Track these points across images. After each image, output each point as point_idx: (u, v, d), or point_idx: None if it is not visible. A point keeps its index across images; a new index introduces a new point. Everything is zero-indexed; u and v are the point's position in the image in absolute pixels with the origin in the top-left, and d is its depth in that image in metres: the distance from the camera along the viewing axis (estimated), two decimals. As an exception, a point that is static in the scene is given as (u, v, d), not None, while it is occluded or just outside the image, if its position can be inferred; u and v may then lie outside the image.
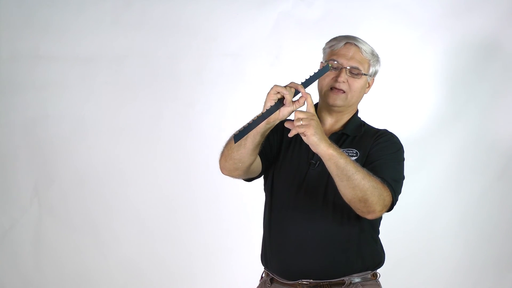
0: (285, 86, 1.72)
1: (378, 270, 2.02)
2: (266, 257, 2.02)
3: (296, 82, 1.73)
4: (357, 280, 1.94)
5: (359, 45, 1.98)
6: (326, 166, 1.74)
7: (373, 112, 2.33)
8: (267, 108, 1.71)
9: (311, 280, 1.92)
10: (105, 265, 3.26)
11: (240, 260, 3.08)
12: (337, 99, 1.97)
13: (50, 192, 3.28)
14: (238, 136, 1.70)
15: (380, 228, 2.04)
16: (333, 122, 2.03)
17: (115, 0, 3.21)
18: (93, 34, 3.21)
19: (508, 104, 2.97)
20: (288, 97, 1.71)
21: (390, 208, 1.86)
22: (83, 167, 3.25)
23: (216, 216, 3.18)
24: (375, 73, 2.04)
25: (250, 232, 2.56)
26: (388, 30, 2.99)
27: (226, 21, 3.14)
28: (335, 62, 1.96)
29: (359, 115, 2.06)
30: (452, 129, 3.00)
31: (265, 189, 2.06)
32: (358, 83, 1.98)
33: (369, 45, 2.00)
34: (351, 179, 1.72)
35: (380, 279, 2.02)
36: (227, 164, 1.86)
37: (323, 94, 1.99)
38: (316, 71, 1.80)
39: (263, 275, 2.08)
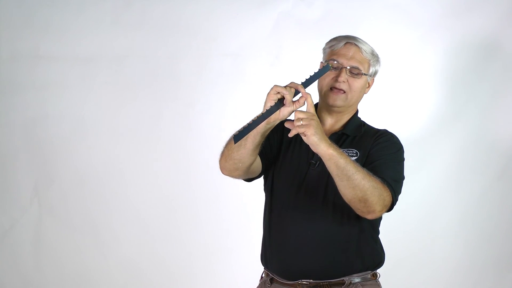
0: (285, 86, 1.72)
1: (378, 270, 2.02)
2: (266, 257, 2.02)
3: (296, 82, 1.73)
4: (357, 280, 1.94)
5: (359, 45, 1.98)
6: (326, 166, 1.74)
7: (373, 112, 2.33)
8: (267, 108, 1.71)
9: (311, 280, 1.92)
10: (105, 265, 3.26)
11: (240, 260, 3.08)
12: (337, 100, 1.97)
13: (50, 192, 3.28)
14: (238, 136, 1.70)
15: (380, 228, 2.04)
16: (333, 122, 2.03)
17: (115, 0, 3.21)
18: (93, 34, 3.21)
19: (508, 104, 2.97)
20: (288, 97, 1.71)
21: (390, 208, 1.86)
22: (83, 167, 3.25)
23: (216, 216, 3.18)
24: (375, 73, 2.04)
25: (250, 232, 2.56)
26: (388, 30, 2.99)
27: (226, 21, 3.14)
28: (335, 62, 1.96)
29: (359, 115, 2.06)
30: (452, 129, 3.00)
31: (265, 189, 2.06)
32: (358, 83, 1.98)
33: (369, 45, 2.00)
34: (351, 179, 1.72)
35: (380, 279, 2.02)
36: (227, 164, 1.86)
37: (323, 94, 1.99)
38: (316, 71, 1.80)
39: (263, 275, 2.08)
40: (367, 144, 1.96)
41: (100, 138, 3.23)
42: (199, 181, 3.18)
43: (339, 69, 1.96)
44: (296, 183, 1.95)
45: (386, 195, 1.80)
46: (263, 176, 2.04)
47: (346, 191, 1.75)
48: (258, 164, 1.93)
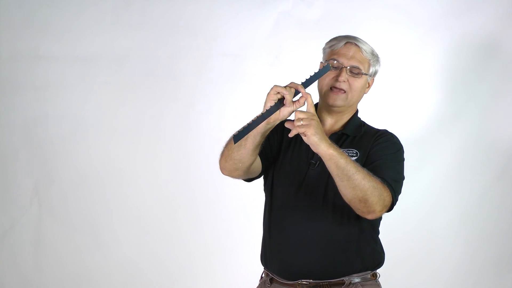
0: (285, 86, 1.72)
1: (378, 270, 2.02)
2: (266, 257, 2.02)
3: (296, 82, 1.73)
4: (356, 280, 1.94)
5: (360, 44, 1.98)
6: (327, 166, 1.74)
7: (373, 112, 2.33)
8: (267, 109, 1.71)
9: (311, 280, 1.92)
10: (105, 265, 3.26)
11: (240, 260, 3.08)
12: (337, 99, 1.96)
13: (50, 192, 3.28)
14: (238, 136, 1.70)
15: (380, 228, 2.04)
16: (333, 122, 2.03)
17: (115, 0, 3.21)
18: (93, 34, 3.21)
19: (508, 104, 2.97)
20: (288, 97, 1.71)
21: (390, 208, 1.86)
22: (83, 167, 3.25)
23: (216, 216, 3.18)
24: (375, 73, 2.04)
25: (250, 232, 2.56)
26: (388, 30, 2.99)
27: (226, 21, 3.14)
28: (336, 62, 1.96)
29: (359, 115, 2.06)
30: (452, 129, 3.00)
31: (265, 189, 2.06)
32: (358, 82, 1.97)
33: (369, 45, 2.00)
34: (351, 179, 1.72)
35: (380, 279, 2.02)
36: (227, 164, 1.86)
37: (323, 94, 1.99)
38: (317, 71, 1.79)
39: (263, 275, 2.07)
40: (367, 144, 1.95)
41: (100, 138, 3.23)
42: (199, 181, 3.18)
43: (340, 68, 1.95)
44: (296, 183, 1.95)
45: (386, 195, 1.80)
46: (263, 176, 2.04)
47: (346, 191, 1.75)
48: (258, 164, 1.93)
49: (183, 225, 3.20)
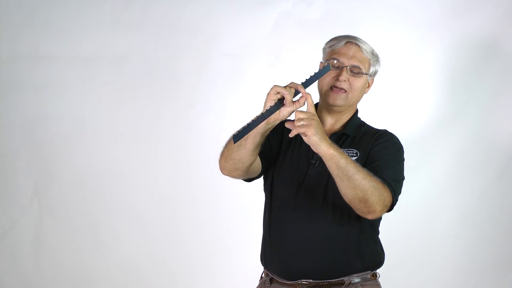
0: (285, 86, 1.72)
1: (378, 270, 2.02)
2: (266, 257, 2.02)
3: (296, 82, 1.73)
4: (356, 280, 1.94)
5: (360, 44, 1.98)
6: (327, 166, 1.74)
7: (373, 112, 2.33)
8: (267, 109, 1.71)
9: (311, 280, 1.92)
10: (105, 265, 3.26)
11: (240, 260, 3.08)
12: (337, 99, 1.96)
13: (50, 192, 3.28)
14: (238, 136, 1.70)
15: (380, 228, 2.04)
16: (333, 122, 2.03)
17: (115, 0, 3.21)
18: (93, 34, 3.21)
19: (508, 104, 2.97)
20: (288, 97, 1.71)
21: (390, 208, 1.86)
22: (83, 167, 3.25)
23: (216, 216, 3.18)
24: (375, 73, 2.04)
25: (250, 232, 2.56)
26: (388, 30, 2.99)
27: (226, 21, 3.14)
28: (336, 61, 1.96)
29: (358, 115, 2.06)
30: (452, 129, 3.00)
31: (265, 189, 2.06)
32: (359, 82, 1.97)
33: (369, 45, 2.00)
34: (351, 179, 1.72)
35: (380, 279, 2.02)
36: (227, 164, 1.86)
37: (323, 94, 1.99)
38: (317, 71, 1.79)
39: (263, 275, 2.07)
40: (367, 144, 1.95)
41: (100, 138, 3.23)
42: (199, 181, 3.18)
43: (340, 68, 1.95)
44: (296, 183, 1.95)
45: (387, 195, 1.80)
46: (263, 176, 2.04)
47: (347, 191, 1.75)
48: (258, 164, 1.93)
49: (183, 225, 3.20)
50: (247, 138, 1.77)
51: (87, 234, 3.27)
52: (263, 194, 2.06)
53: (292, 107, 1.73)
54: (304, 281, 1.93)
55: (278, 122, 1.76)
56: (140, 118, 3.21)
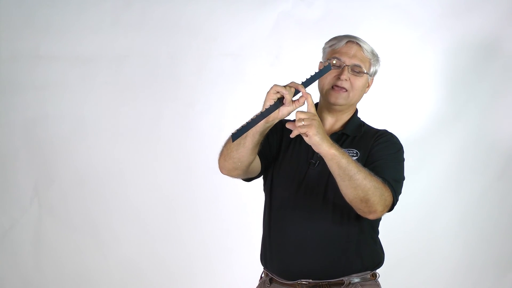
0: (285, 86, 1.72)
1: (378, 270, 2.02)
2: (266, 257, 2.02)
3: (296, 82, 1.73)
4: (356, 280, 1.94)
5: (361, 43, 1.98)
6: (328, 166, 1.74)
7: (373, 112, 2.33)
8: (266, 108, 1.71)
9: (310, 280, 1.92)
10: (105, 265, 3.26)
11: (240, 260, 3.08)
12: (339, 98, 1.96)
13: (50, 192, 3.28)
14: (236, 134, 1.70)
15: (380, 228, 2.04)
16: (333, 121, 2.02)
17: (115, 0, 3.21)
18: (93, 34, 3.21)
19: (508, 104, 2.97)
20: (287, 96, 1.71)
21: (390, 208, 1.86)
22: (83, 167, 3.25)
23: (216, 216, 3.18)
24: (375, 73, 2.04)
25: (250, 232, 2.56)
26: (388, 30, 2.99)
27: (226, 21, 3.14)
28: (337, 60, 1.95)
29: (358, 115, 2.06)
30: (452, 129, 3.00)
31: (264, 189, 2.06)
32: (359, 81, 1.97)
33: (369, 45, 2.00)
34: (353, 179, 1.72)
35: (380, 279, 2.02)
36: (226, 163, 1.86)
37: (324, 93, 1.98)
38: (317, 71, 1.79)
39: (262, 275, 2.07)
40: (367, 144, 1.95)
41: (100, 138, 3.23)
42: (199, 181, 3.18)
43: (341, 67, 1.95)
44: (295, 183, 1.95)
45: (387, 195, 1.80)
46: (262, 176, 2.04)
47: (348, 191, 1.75)
48: (257, 163, 1.93)
49: (183, 225, 3.20)
50: (246, 137, 1.77)
51: (87, 234, 3.27)
52: (263, 194, 2.06)
53: (292, 107, 1.73)
54: (303, 281, 1.93)
55: (277, 121, 1.76)
56: (140, 118, 3.21)
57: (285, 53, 3.11)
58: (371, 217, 1.81)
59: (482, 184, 3.00)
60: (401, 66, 2.99)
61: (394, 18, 3.02)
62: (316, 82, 1.93)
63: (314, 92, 1.86)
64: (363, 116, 2.07)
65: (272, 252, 1.98)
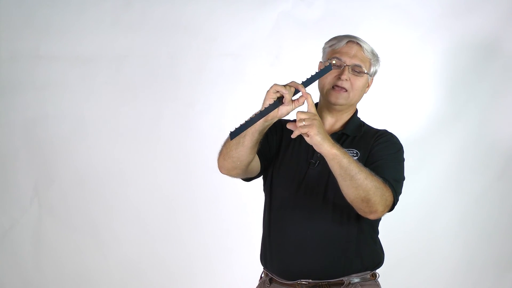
0: (285, 85, 1.72)
1: (378, 270, 2.02)
2: (266, 257, 2.02)
3: (296, 81, 1.73)
4: (356, 280, 1.94)
5: (361, 43, 1.98)
6: (329, 166, 1.74)
7: (373, 112, 2.33)
8: (266, 107, 1.71)
9: (310, 280, 1.92)
10: (105, 265, 3.26)
11: (240, 260, 3.08)
12: (339, 98, 1.96)
13: (50, 192, 3.28)
14: (235, 133, 1.70)
15: (380, 228, 2.04)
16: (333, 121, 2.02)
17: (115, 0, 3.21)
18: (93, 34, 3.21)
19: (508, 104, 2.97)
20: (287, 96, 1.71)
21: (391, 208, 1.86)
22: (83, 167, 3.25)
23: (216, 216, 3.18)
24: (375, 73, 2.04)
25: (250, 232, 2.56)
26: (388, 30, 2.99)
27: (226, 21, 3.14)
28: (337, 60, 1.95)
29: (358, 115, 2.06)
30: (452, 129, 3.00)
31: (264, 189, 2.06)
32: (360, 81, 1.97)
33: (369, 45, 2.00)
34: (354, 178, 1.72)
35: (380, 279, 2.02)
36: (226, 163, 1.86)
37: (325, 93, 1.98)
38: (317, 70, 1.79)
39: (262, 275, 2.07)
40: (367, 144, 1.95)
41: (100, 138, 3.23)
42: (199, 181, 3.18)
43: (342, 67, 1.95)
44: (295, 183, 1.94)
45: (388, 195, 1.80)
46: (262, 176, 2.04)
47: (349, 191, 1.75)
48: (256, 163, 1.93)
49: (183, 225, 3.20)
50: (245, 136, 1.77)
51: (87, 234, 3.27)
52: (263, 194, 2.06)
53: (291, 106, 1.73)
54: (303, 281, 1.92)
55: (276, 119, 1.76)
56: (140, 118, 3.21)
57: (285, 53, 3.11)
58: (372, 217, 1.81)
59: (482, 184, 3.00)
60: (401, 66, 2.99)
61: (394, 18, 3.02)
62: (316, 82, 1.93)
63: (314, 92, 1.86)
64: (363, 116, 2.07)
65: (272, 252, 1.98)
